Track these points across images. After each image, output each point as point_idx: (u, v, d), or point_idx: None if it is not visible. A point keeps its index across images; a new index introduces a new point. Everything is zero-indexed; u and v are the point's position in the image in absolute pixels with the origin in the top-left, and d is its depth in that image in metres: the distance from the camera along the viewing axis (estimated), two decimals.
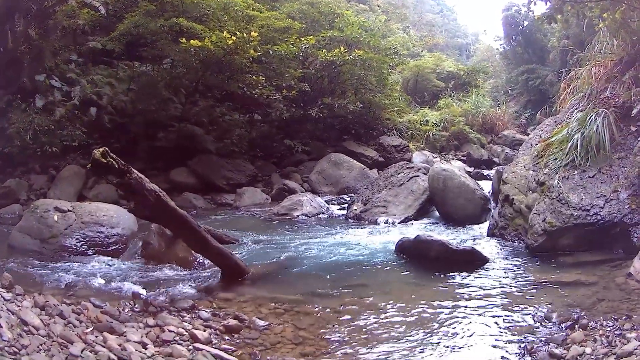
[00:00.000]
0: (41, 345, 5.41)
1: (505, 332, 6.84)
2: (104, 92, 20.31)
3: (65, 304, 6.90)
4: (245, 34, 18.18)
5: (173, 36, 19.47)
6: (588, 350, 6.06)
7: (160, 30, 19.30)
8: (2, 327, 5.28)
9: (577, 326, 6.71)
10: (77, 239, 11.29)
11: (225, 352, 6.39)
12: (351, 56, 23.04)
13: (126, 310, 7.43)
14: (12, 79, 18.21)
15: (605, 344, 6.12)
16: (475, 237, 12.70)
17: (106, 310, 7.06)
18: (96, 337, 6.12)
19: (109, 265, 10.44)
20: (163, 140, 20.36)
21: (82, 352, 5.59)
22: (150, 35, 19.91)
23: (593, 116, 11.18)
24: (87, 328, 6.34)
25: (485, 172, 23.80)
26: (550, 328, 6.84)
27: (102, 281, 9.13)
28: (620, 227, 9.76)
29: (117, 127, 20.06)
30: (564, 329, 6.73)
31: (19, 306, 6.12)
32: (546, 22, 13.72)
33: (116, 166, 7.55)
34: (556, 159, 11.38)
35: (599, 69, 12.71)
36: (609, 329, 6.47)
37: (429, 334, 6.89)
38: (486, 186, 15.60)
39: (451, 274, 9.50)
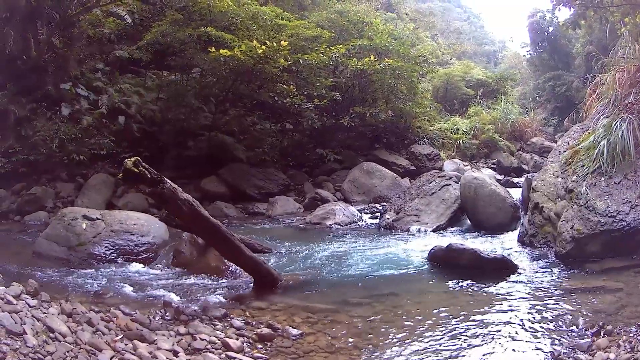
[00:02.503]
0: (68, 352, 5.30)
1: (534, 339, 6.77)
2: (132, 101, 20.36)
3: (93, 311, 6.81)
4: (275, 43, 18.13)
5: (202, 45, 19.50)
6: (612, 356, 6.06)
7: (188, 39, 19.39)
8: (26, 334, 5.15)
9: (602, 332, 6.68)
10: (106, 247, 11.18)
11: None
12: (381, 65, 22.87)
13: (157, 318, 7.31)
14: (35, 87, 18.27)
15: (628, 349, 6.09)
16: (505, 244, 12.60)
17: (136, 318, 6.95)
18: (126, 345, 6.02)
19: (139, 273, 10.34)
20: (193, 149, 20.33)
21: (111, 359, 5.44)
22: (179, 44, 19.96)
23: (618, 122, 11.08)
24: (116, 336, 6.24)
25: (515, 180, 23.80)
26: (577, 334, 6.79)
27: (132, 289, 9.05)
28: None
29: (146, 135, 20.12)
30: (589, 335, 6.69)
31: (44, 313, 6.01)
32: (570, 28, 13.67)
33: (148, 176, 7.44)
34: (583, 165, 11.28)
35: (623, 74, 12.64)
36: (632, 335, 6.44)
37: (460, 342, 6.79)
38: (516, 194, 15.45)
39: (482, 282, 9.39)
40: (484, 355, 6.40)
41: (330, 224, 15.71)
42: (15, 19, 17.56)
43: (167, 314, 7.49)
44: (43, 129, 17.46)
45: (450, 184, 15.90)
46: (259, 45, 17.65)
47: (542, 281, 9.32)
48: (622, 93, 12.18)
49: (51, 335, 5.52)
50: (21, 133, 17.58)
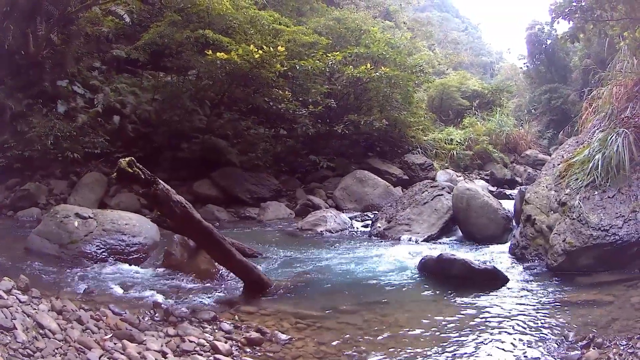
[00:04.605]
0: (57, 349, 5.33)
1: (523, 351, 6.77)
2: (127, 101, 20.41)
3: (83, 309, 6.87)
4: (272, 48, 18.12)
5: (199, 48, 19.53)
6: None
7: (185, 41, 19.42)
8: (16, 329, 5.18)
9: (592, 345, 6.68)
10: (97, 245, 11.19)
11: None
12: (377, 73, 22.90)
13: (146, 319, 7.35)
14: (32, 83, 18.29)
15: None
16: (496, 256, 12.51)
17: (126, 318, 6.99)
18: (115, 344, 6.06)
19: (129, 273, 10.35)
20: (186, 151, 20.29)
21: (100, 358, 5.55)
22: (176, 46, 19.99)
23: (614, 136, 11.14)
24: (105, 335, 6.28)
25: (508, 192, 23.64)
26: (567, 346, 6.79)
27: (122, 289, 9.08)
28: (637, 247, 9.68)
29: (141, 136, 20.14)
30: (579, 347, 6.69)
31: (35, 309, 6.05)
32: (569, 41, 13.70)
33: (142, 176, 7.49)
34: (577, 179, 11.35)
35: (620, 88, 12.67)
36: (622, 348, 6.44)
37: (449, 352, 6.81)
38: (508, 206, 15.42)
39: (472, 292, 9.40)
40: None
41: (321, 231, 15.70)
42: (15, 14, 17.57)
43: (156, 314, 7.53)
44: (38, 126, 17.52)
45: (442, 194, 15.88)
46: (256, 50, 17.66)
47: (532, 293, 9.32)
48: (618, 107, 12.22)
49: (41, 331, 5.56)
50: (17, 129, 17.63)
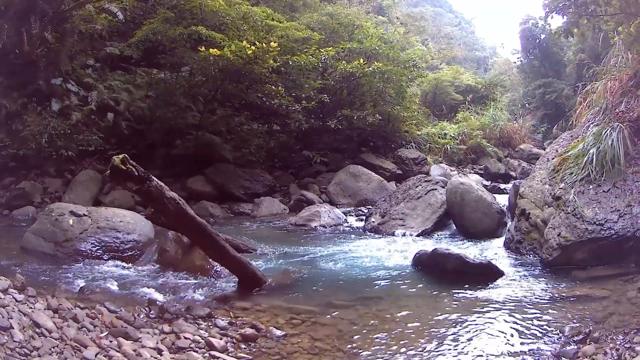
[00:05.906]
0: (53, 347, 5.34)
1: (519, 346, 6.77)
2: (121, 98, 20.37)
3: (79, 307, 6.86)
4: (264, 44, 18.07)
5: (192, 44, 19.48)
6: None
7: (179, 37, 19.35)
8: (13, 328, 5.20)
9: (588, 340, 6.67)
10: (92, 243, 11.23)
11: None
12: (370, 68, 22.90)
13: (141, 316, 7.34)
14: (27, 82, 18.26)
15: (615, 357, 6.11)
16: (491, 250, 12.51)
17: (121, 316, 6.99)
18: (111, 342, 6.07)
19: (124, 270, 10.36)
20: (180, 148, 20.33)
21: (96, 356, 5.54)
22: (169, 43, 19.94)
23: (608, 131, 11.12)
24: (101, 332, 6.30)
25: (502, 186, 23.71)
26: (562, 341, 6.78)
27: (117, 286, 9.08)
28: (632, 242, 9.64)
29: (134, 133, 20.14)
30: (575, 342, 6.67)
31: (31, 308, 6.06)
32: (563, 36, 13.65)
33: (136, 173, 7.49)
34: (572, 173, 11.32)
35: (614, 83, 12.70)
36: (619, 343, 6.43)
37: (443, 346, 6.82)
38: (503, 200, 15.49)
39: (467, 287, 9.38)
40: None
41: (315, 226, 15.70)
42: (9, 12, 17.55)
43: (151, 312, 7.53)
44: (33, 124, 17.52)
45: (436, 189, 15.87)
46: (249, 46, 17.63)
47: (527, 288, 9.31)
48: (613, 102, 12.23)
49: (37, 330, 5.56)
50: (11, 127, 17.61)
